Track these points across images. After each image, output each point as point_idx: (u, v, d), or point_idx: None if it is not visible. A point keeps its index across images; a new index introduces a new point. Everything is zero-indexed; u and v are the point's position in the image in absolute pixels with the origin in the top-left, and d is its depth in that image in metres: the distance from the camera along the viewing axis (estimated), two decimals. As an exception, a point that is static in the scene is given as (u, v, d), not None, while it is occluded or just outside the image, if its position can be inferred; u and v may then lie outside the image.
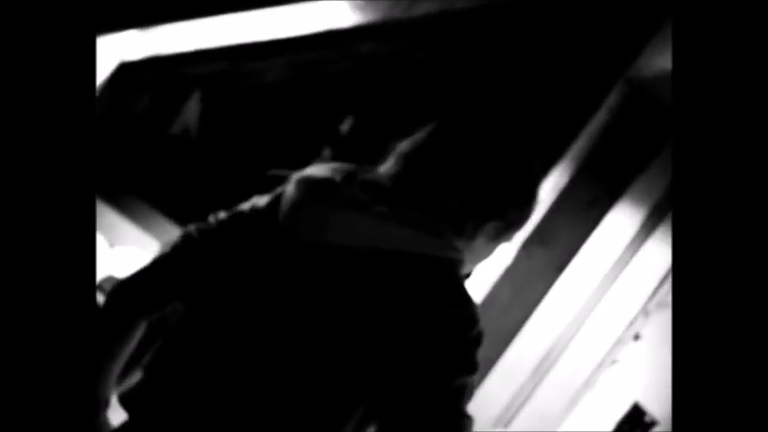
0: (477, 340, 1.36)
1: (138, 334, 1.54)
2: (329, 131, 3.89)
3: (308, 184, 1.43)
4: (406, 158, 1.47)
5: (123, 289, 1.54)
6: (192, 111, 4.10)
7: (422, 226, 1.38)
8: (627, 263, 2.73)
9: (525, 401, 2.84)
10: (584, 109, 2.88)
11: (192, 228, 1.55)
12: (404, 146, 1.50)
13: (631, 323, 2.21)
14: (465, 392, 1.34)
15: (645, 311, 2.17)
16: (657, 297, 2.20)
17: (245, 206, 1.52)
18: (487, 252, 1.53)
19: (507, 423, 2.90)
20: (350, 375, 1.35)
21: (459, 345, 1.34)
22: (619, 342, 2.22)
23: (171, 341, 1.48)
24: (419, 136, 1.49)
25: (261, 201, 1.51)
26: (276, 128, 3.90)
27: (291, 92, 3.78)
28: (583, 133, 2.87)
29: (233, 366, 1.39)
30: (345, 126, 3.91)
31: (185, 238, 1.53)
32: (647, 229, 2.72)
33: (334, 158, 3.81)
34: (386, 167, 1.49)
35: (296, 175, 1.47)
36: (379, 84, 3.66)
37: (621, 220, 2.85)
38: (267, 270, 1.42)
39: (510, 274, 2.99)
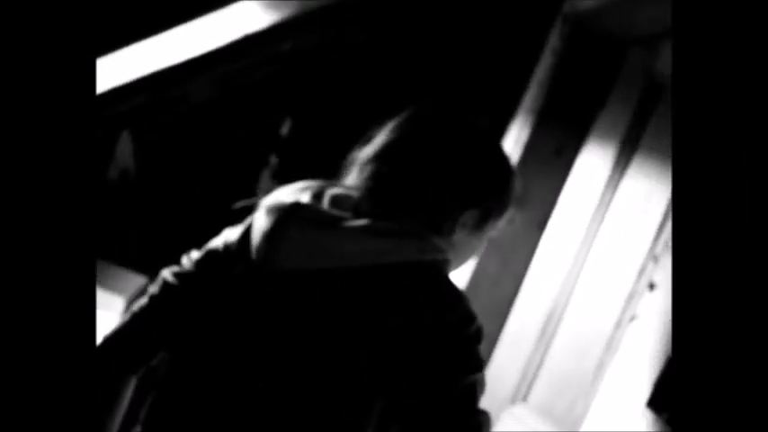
0: (474, 338, 1.33)
1: (129, 391, 1.51)
2: (270, 139, 3.81)
3: (277, 211, 1.36)
4: (371, 164, 1.41)
5: (107, 347, 1.49)
6: (125, 152, 3.96)
7: (400, 233, 1.32)
8: (608, 204, 2.63)
9: (538, 372, 2.73)
10: (528, 55, 2.79)
11: (166, 273, 1.50)
12: (365, 153, 1.43)
13: (641, 271, 2.08)
14: (475, 391, 1.32)
15: (653, 257, 2.03)
16: (663, 238, 2.06)
17: (218, 242, 1.47)
18: (472, 246, 1.49)
19: (525, 396, 2.79)
20: (348, 402, 1.30)
21: (455, 347, 1.31)
22: (633, 295, 2.09)
23: (162, 392, 1.44)
24: (379, 140, 1.42)
25: (232, 234, 1.45)
26: (216, 148, 3.78)
27: (221, 108, 3.67)
28: (532, 81, 2.77)
29: (227, 409, 1.35)
30: (285, 129, 3.84)
31: (162, 286, 1.49)
32: (622, 164, 2.62)
33: (281, 164, 3.77)
34: (351, 179, 1.43)
35: (263, 202, 1.40)
36: (308, 78, 3.57)
37: (593, 160, 2.76)
38: (249, 306, 1.37)
39: (493, 243, 2.88)
